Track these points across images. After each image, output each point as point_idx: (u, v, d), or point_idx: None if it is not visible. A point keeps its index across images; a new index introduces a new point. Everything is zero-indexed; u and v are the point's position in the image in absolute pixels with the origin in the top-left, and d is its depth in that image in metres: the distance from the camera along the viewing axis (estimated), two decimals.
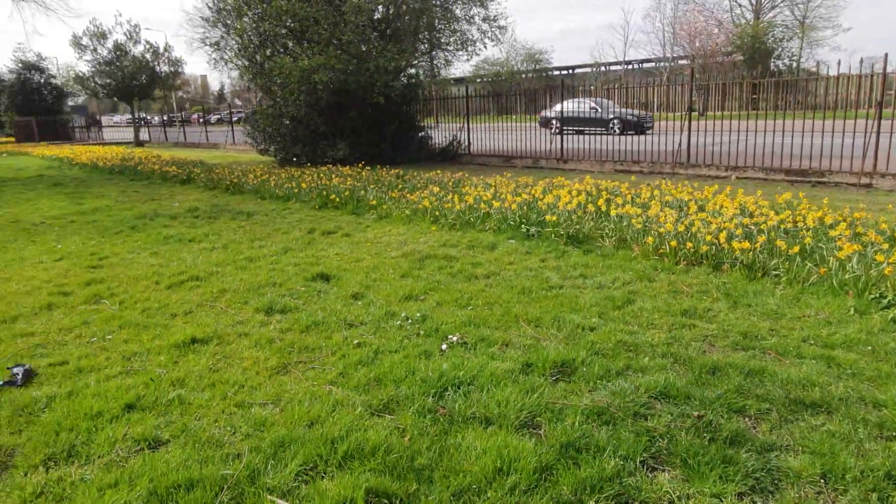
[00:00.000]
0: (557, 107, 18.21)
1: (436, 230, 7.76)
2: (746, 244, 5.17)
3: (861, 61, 12.56)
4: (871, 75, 10.60)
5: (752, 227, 5.90)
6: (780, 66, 42.15)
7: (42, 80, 45.76)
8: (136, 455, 2.92)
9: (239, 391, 3.56)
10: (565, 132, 15.57)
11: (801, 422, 3.00)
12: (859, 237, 5.64)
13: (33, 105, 44.33)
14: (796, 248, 5.22)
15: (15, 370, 3.93)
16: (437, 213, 8.14)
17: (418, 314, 4.62)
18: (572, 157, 14.89)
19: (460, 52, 18.15)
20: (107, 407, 3.39)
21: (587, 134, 15.58)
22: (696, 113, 23.52)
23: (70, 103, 53.57)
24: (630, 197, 7.64)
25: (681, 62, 44.79)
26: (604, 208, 7.00)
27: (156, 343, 4.34)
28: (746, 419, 3.04)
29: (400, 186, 10.57)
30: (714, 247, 5.51)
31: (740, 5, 50.29)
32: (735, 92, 16.24)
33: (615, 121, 19.18)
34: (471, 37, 17.90)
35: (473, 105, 17.95)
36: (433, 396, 3.34)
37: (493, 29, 18.02)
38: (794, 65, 43.12)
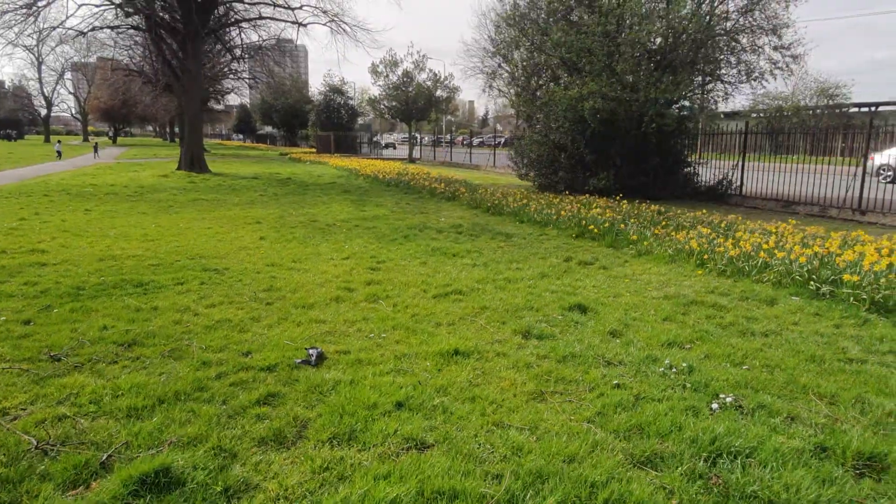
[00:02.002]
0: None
1: (702, 274, 7.17)
2: None
3: None
4: None
5: None
6: None
7: (342, 101, 53.36)
8: (405, 452, 3.11)
9: (497, 410, 3.61)
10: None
11: None
12: None
13: (332, 122, 51.90)
14: None
15: (311, 351, 4.51)
16: (704, 257, 7.53)
17: (683, 364, 4.26)
18: (875, 209, 12.71)
19: (743, 85, 16.72)
20: (381, 400, 3.68)
21: None
22: None
23: (360, 121, 61.75)
24: None
25: None
26: None
27: (422, 348, 4.64)
28: None
29: (663, 223, 10.04)
30: None
31: None
32: None
33: None
34: (757, 67, 16.40)
35: (749, 142, 16.39)
36: (704, 461, 3.01)
37: (785, 59, 16.30)
38: None
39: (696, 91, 18.47)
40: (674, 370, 4.19)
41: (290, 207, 13.99)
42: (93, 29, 25.53)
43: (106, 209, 13.39)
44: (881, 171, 15.72)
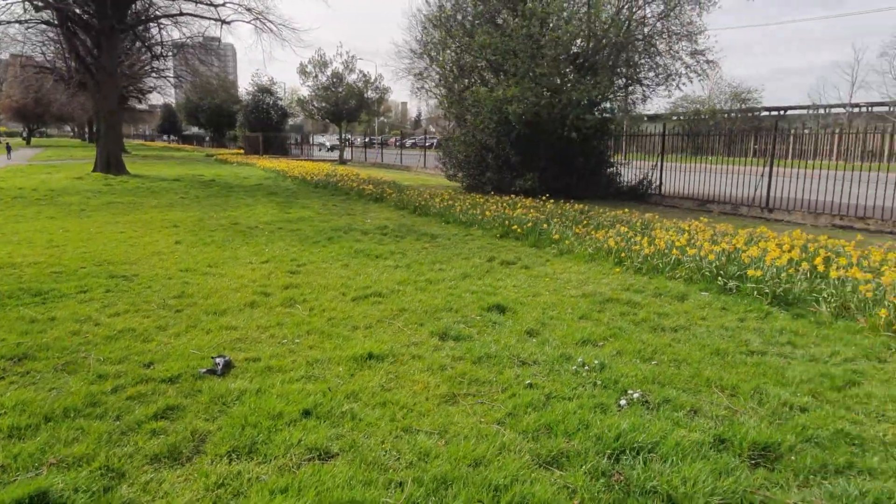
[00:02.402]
0: None
1: (619, 272, 7.34)
2: None
3: None
4: None
5: None
6: None
7: (271, 102, 52.11)
8: (307, 463, 2.99)
9: (407, 415, 3.54)
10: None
11: None
12: None
13: (261, 123, 50.60)
14: None
15: (217, 360, 4.31)
16: (622, 255, 7.71)
17: (596, 361, 4.32)
18: (780, 207, 13.43)
19: (661, 87, 17.35)
20: (287, 409, 3.54)
21: None
22: None
23: (290, 122, 60.49)
24: (856, 258, 6.59)
25: None
26: (821, 268, 6.11)
27: (336, 353, 4.52)
28: None
29: (584, 223, 10.25)
30: None
31: None
32: None
33: None
34: (674, 71, 17.05)
35: (668, 143, 17.04)
36: (608, 458, 3.04)
37: (699, 63, 17.01)
38: None
39: (619, 94, 19.04)
40: (586, 368, 4.24)
41: (212, 210, 13.50)
42: None
43: (11, 214, 12.54)
44: None
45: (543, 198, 13.95)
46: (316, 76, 40.85)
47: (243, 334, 4.99)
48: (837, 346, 4.71)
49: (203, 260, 7.96)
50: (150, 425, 3.40)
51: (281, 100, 53.70)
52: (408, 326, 5.21)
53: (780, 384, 4.00)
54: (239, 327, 5.17)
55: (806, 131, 18.72)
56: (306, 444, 3.15)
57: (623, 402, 3.70)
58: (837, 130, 16.59)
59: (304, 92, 43.59)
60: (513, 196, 15.04)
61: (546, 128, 16.38)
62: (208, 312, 5.59)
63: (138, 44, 32.43)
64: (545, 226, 9.79)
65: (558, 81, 16.26)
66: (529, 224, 9.93)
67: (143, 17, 27.77)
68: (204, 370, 4.18)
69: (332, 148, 56.73)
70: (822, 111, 46.58)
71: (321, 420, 3.45)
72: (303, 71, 40.76)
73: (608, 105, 18.49)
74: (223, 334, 4.99)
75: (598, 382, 3.99)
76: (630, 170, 17.53)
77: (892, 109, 42.25)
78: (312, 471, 2.89)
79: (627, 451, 3.08)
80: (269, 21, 26.60)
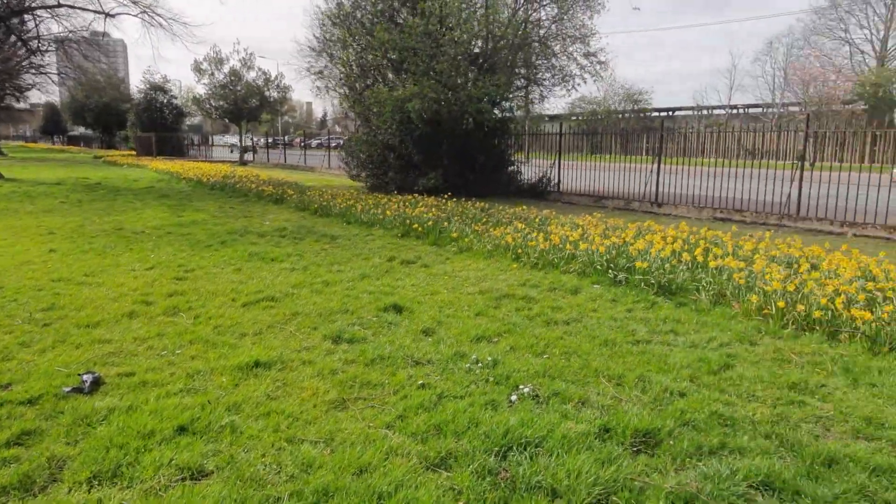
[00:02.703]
0: None
1: (517, 268, 7.45)
2: (868, 314, 4.52)
3: None
4: None
5: (878, 294, 5.20)
6: None
7: (165, 101, 49.45)
8: (177, 484, 2.78)
9: (293, 424, 3.37)
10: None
11: None
12: None
13: (155, 123, 47.91)
14: None
15: (85, 377, 3.95)
16: (519, 251, 7.83)
17: (489, 358, 4.32)
18: (668, 202, 14.19)
19: (557, 88, 17.92)
20: (160, 427, 3.29)
21: None
22: (808, 163, 22.08)
23: (188, 122, 57.64)
24: (731, 248, 7.03)
25: (791, 108, 42.47)
26: (701, 259, 6.46)
27: (220, 363, 4.27)
28: None
29: (484, 220, 10.35)
30: (830, 312, 4.88)
31: (862, 52, 47.34)
32: (853, 142, 15.03)
33: None
34: (570, 72, 17.64)
35: (566, 142, 17.61)
36: (496, 455, 3.02)
37: (593, 65, 17.70)
38: None
39: (518, 93, 19.48)
40: (479, 365, 4.22)
41: (95, 215, 12.56)
42: None
43: None
44: None
45: (445, 196, 14.00)
46: (212, 74, 39.11)
47: (118, 347, 4.62)
48: (714, 331, 4.97)
49: (79, 269, 7.35)
50: (1, 454, 3.05)
51: (176, 98, 51.08)
52: (300, 331, 5.01)
53: (663, 371, 4.16)
54: (114, 340, 4.78)
55: (690, 131, 19.89)
56: (178, 464, 2.92)
57: (514, 397, 3.71)
58: (717, 130, 17.73)
59: (201, 90, 41.65)
60: (416, 195, 15.00)
61: (448, 126, 16.47)
62: (80, 325, 5.14)
63: (13, 37, 29.80)
64: (446, 224, 9.81)
65: (459, 81, 16.40)
66: (430, 223, 9.91)
67: (17, 8, 25.58)
68: (69, 389, 3.82)
69: (235, 149, 54.50)
70: (705, 112, 49.82)
71: (197, 436, 3.22)
72: (197, 68, 38.90)
73: (508, 104, 18.86)
74: (95, 348, 4.60)
75: (491, 379, 3.98)
76: (531, 168, 17.97)
77: (764, 111, 45.83)
78: (182, 492, 2.68)
79: (515, 448, 3.07)
80: (158, 15, 25.29)
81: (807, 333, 4.86)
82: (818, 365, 4.28)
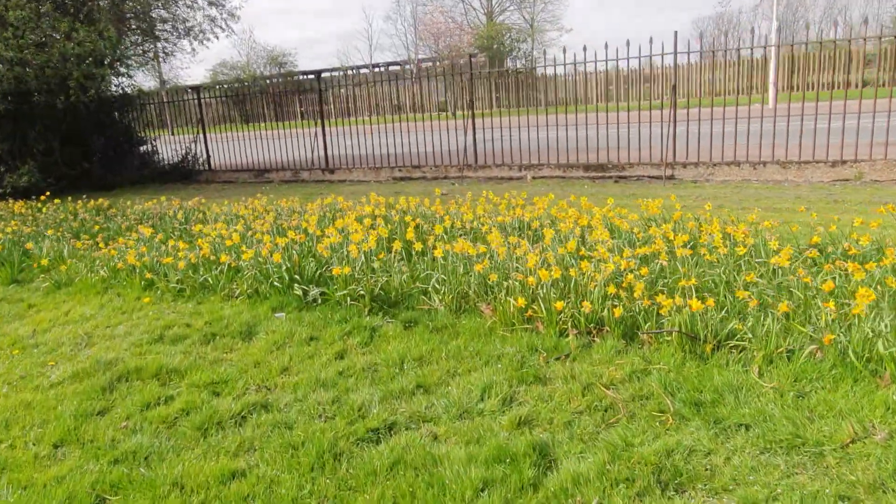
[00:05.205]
0: None
1: (150, 302, 4.70)
2: (698, 303, 3.13)
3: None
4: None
5: (660, 262, 3.99)
6: (519, 65, 44.43)
7: None
8: None
9: None
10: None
11: None
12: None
13: None
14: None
15: None
16: (147, 275, 5.05)
17: None
18: (341, 166, 12.40)
19: (183, 41, 14.52)
20: None
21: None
22: (447, 113, 22.78)
23: None
24: (450, 222, 5.35)
25: (426, 63, 44.92)
26: (418, 245, 4.63)
27: None
28: None
29: (98, 227, 7.06)
30: (619, 302, 3.46)
31: (473, 8, 52.31)
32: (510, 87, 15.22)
33: None
34: (196, 24, 14.38)
35: (212, 112, 14.49)
36: None
37: (222, 16, 14.72)
38: (530, 64, 45.78)
39: (137, 52, 15.46)
40: None
41: None
42: None
43: None
44: None
45: (44, 197, 9.88)
46: None
47: None
48: (480, 368, 3.07)
49: None
50: None
51: None
52: None
53: None
54: None
55: (342, 91, 18.50)
56: None
57: None
58: (366, 89, 16.56)
59: None
60: (3, 201, 10.48)
61: (41, 100, 12.01)
62: None
63: None
64: (30, 245, 6.30)
65: (48, 33, 11.91)
66: (1, 247, 6.28)
67: None
68: None
69: None
70: (351, 72, 49.97)
71: None
72: None
73: (126, 69, 14.76)
74: None
75: None
76: (173, 146, 14.42)
77: (403, 68, 47.77)
78: None
79: None
80: None
81: (597, 340, 3.35)
82: (646, 398, 2.74)
